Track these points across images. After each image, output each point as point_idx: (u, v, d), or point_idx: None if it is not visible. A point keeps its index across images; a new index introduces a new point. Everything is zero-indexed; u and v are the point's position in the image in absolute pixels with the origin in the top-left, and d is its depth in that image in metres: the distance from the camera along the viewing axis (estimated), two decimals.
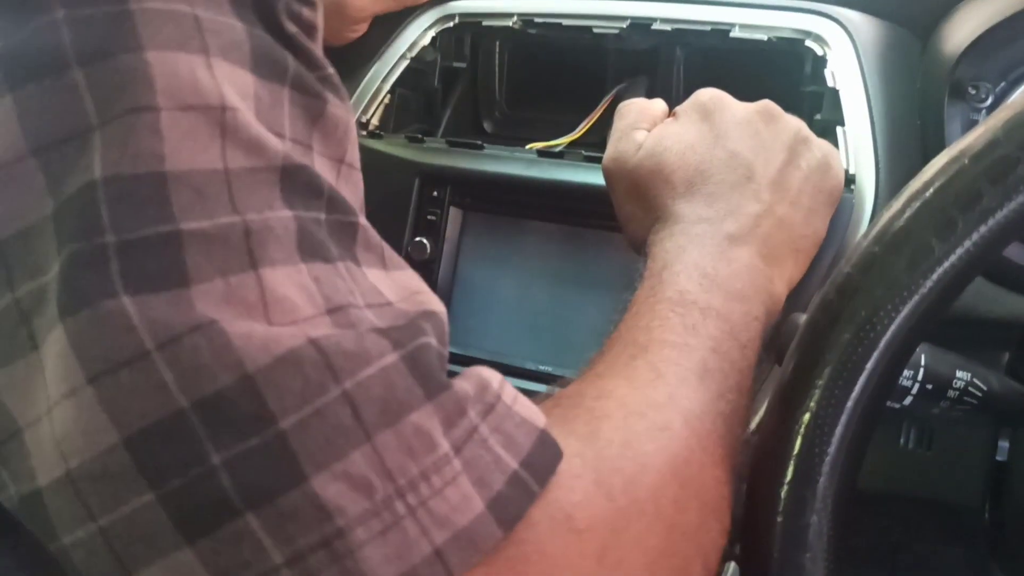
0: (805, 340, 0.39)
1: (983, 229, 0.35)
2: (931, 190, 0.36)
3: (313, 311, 0.29)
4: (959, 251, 0.35)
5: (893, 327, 0.37)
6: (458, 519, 0.29)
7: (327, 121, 0.34)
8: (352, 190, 0.34)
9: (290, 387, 0.27)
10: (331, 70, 0.34)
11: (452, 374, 0.57)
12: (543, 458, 0.32)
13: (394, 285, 0.33)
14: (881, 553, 0.68)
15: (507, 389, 0.34)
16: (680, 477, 0.38)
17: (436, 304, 0.34)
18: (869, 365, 0.37)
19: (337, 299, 0.30)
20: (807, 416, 0.38)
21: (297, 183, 0.31)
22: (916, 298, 0.36)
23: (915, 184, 0.37)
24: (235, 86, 0.30)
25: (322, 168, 0.32)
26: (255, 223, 0.29)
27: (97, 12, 0.28)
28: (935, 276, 0.36)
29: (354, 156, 0.36)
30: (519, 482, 0.31)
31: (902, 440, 0.61)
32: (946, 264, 0.35)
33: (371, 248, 0.34)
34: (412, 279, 0.35)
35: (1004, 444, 0.59)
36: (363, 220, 0.34)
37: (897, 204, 0.37)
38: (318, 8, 0.34)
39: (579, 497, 0.33)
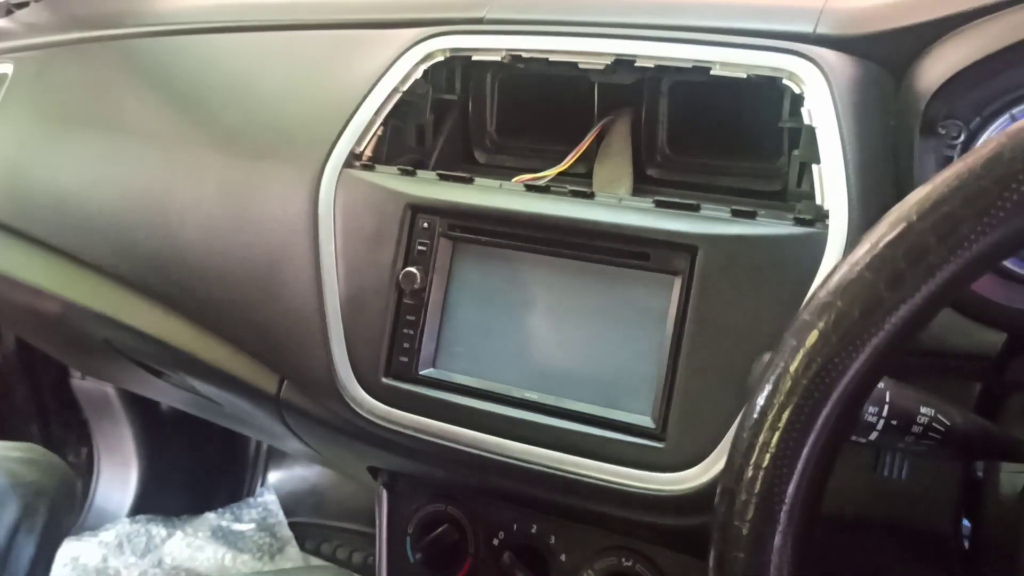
0: (766, 381, 0.41)
1: (930, 282, 0.37)
2: (883, 243, 0.38)
3: None
4: (908, 302, 0.37)
5: (849, 373, 0.39)
6: None
7: None
8: None
9: None
10: None
11: (439, 400, 0.57)
12: None
13: None
14: None
15: None
16: None
17: None
18: (825, 410, 0.39)
19: None
20: (767, 457, 0.40)
21: None
22: (869, 347, 0.38)
23: (869, 236, 0.39)
24: None
25: None
26: None
27: None
28: (887, 326, 0.38)
29: None
30: None
31: (877, 467, 0.63)
32: (896, 315, 0.37)
33: None
34: None
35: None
36: None
37: (852, 256, 0.39)
38: None
39: None
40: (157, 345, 0.86)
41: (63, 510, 1.01)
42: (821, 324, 0.39)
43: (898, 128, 0.64)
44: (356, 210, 0.74)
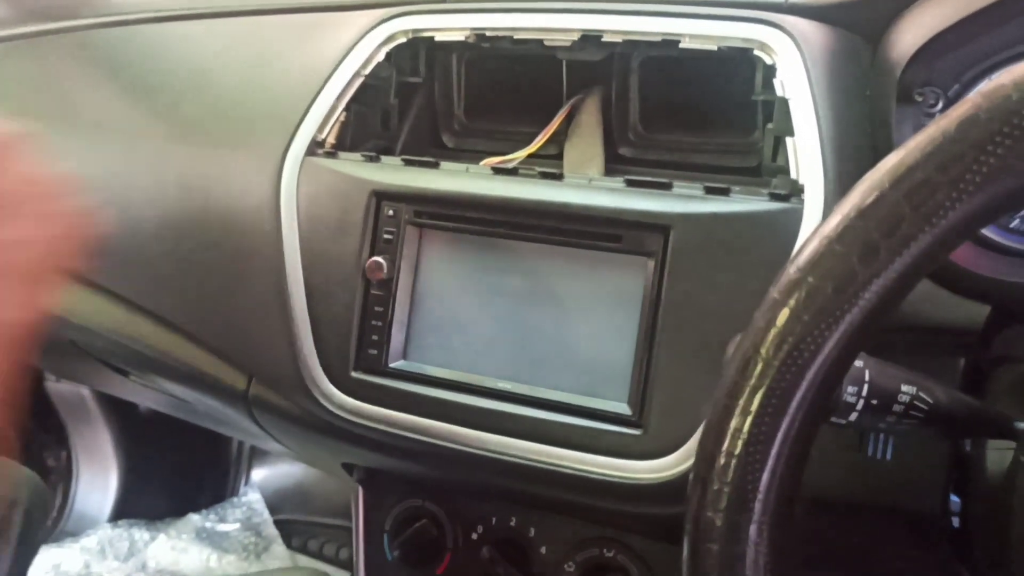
0: (738, 364, 0.39)
1: (905, 254, 0.34)
2: (855, 213, 0.36)
3: None
4: (883, 276, 0.35)
5: (822, 353, 0.37)
6: None
7: None
8: None
9: None
10: None
11: (411, 393, 0.55)
12: None
13: None
14: (850, 559, 0.68)
15: None
16: None
17: None
18: (799, 393, 0.37)
19: None
20: (739, 443, 0.38)
21: None
22: (843, 324, 0.36)
23: (841, 207, 0.37)
24: None
25: None
26: None
27: None
28: (861, 302, 0.36)
29: None
30: None
31: (862, 447, 0.61)
32: (870, 290, 0.35)
33: None
34: None
35: None
36: None
37: (823, 228, 0.37)
38: None
39: None
40: (122, 345, 0.83)
41: (37, 522, 0.99)
42: (792, 302, 0.37)
43: (874, 97, 0.62)
44: (320, 199, 0.72)
